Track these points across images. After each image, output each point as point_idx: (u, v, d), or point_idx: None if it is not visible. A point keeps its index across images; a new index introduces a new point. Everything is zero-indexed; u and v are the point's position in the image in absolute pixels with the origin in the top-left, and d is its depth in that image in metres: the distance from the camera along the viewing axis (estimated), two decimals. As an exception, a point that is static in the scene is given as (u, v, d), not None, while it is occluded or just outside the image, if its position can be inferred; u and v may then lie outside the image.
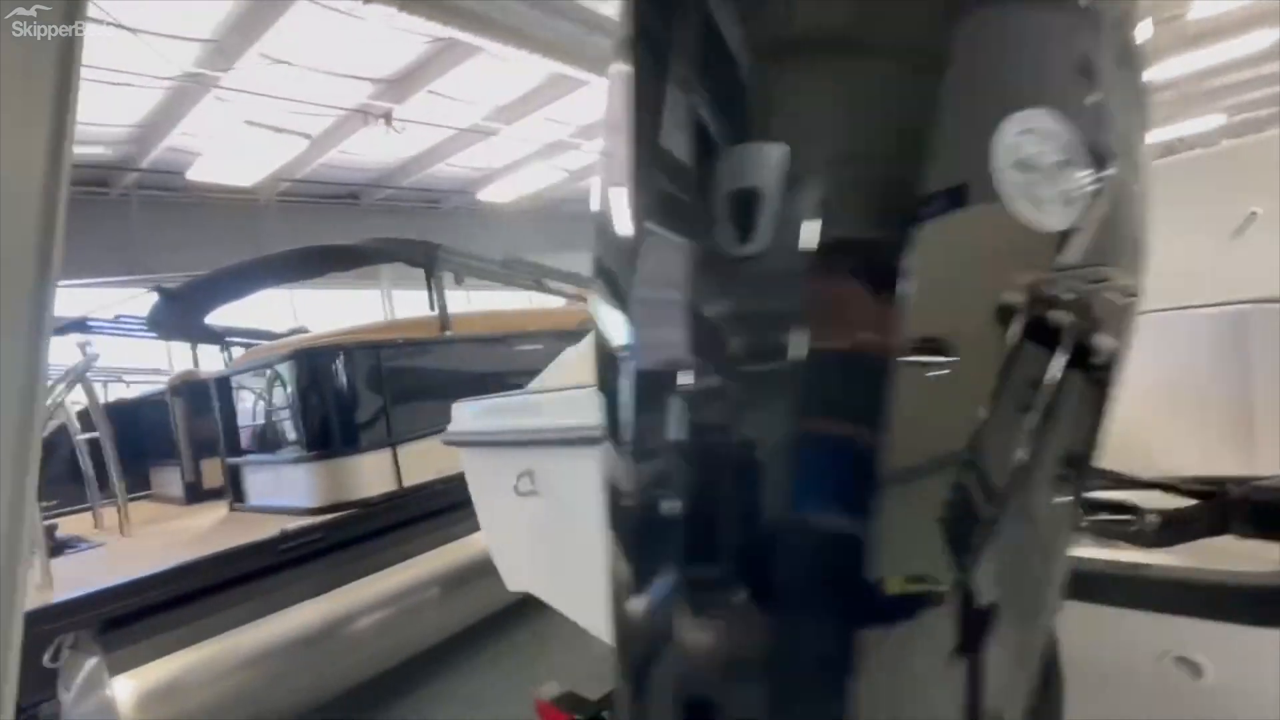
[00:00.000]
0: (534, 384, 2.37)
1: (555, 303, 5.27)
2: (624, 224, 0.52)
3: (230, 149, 6.85)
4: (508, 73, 7.03)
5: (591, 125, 8.51)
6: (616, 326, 0.52)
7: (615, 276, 0.53)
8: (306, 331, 4.69)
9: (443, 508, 3.29)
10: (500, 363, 3.72)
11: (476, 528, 3.43)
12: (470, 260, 3.88)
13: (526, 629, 3.39)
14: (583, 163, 9.52)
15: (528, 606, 3.32)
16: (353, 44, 6.08)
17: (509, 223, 10.52)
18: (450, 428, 2.09)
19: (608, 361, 0.53)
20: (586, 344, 2.58)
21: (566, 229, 12.02)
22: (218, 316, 4.77)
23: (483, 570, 3.25)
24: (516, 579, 1.99)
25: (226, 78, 6.03)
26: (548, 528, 1.77)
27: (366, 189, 9.99)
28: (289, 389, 3.32)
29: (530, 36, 5.60)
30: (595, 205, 0.55)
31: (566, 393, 1.76)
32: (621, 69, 0.53)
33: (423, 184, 10.01)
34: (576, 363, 2.47)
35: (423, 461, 3.32)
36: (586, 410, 1.62)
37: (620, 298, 0.53)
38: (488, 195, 10.18)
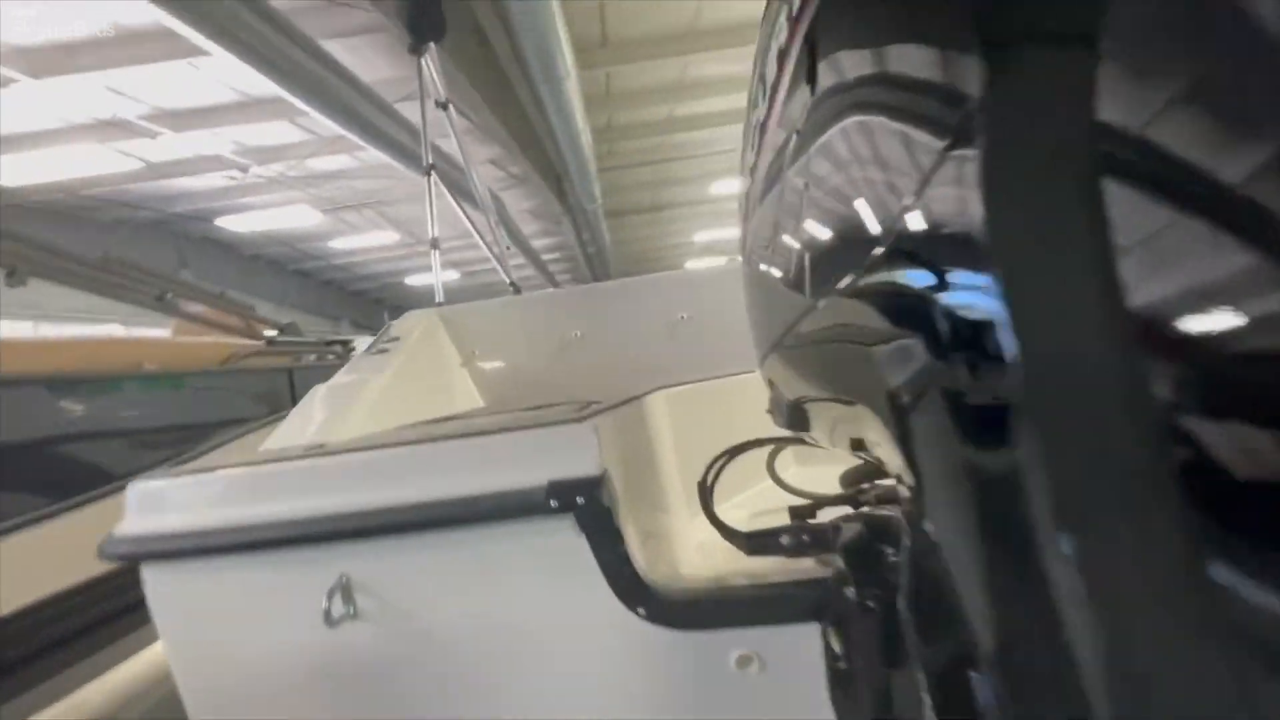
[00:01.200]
0: (274, 442, 1.56)
1: (155, 334, 3.72)
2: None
3: None
4: (54, 6, 4.91)
5: (184, 112, 6.49)
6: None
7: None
8: None
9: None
10: (92, 418, 2.33)
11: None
12: (44, 252, 2.36)
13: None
14: (164, 156, 7.16)
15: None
16: None
17: (17, 219, 7.10)
18: (122, 529, 1.24)
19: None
20: (346, 383, 1.83)
21: (103, 239, 8.92)
22: None
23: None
24: None
25: None
26: (364, 670, 1.18)
27: None
28: None
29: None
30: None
31: (390, 451, 1.23)
32: None
33: None
34: (353, 408, 1.71)
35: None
36: (431, 477, 1.13)
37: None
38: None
